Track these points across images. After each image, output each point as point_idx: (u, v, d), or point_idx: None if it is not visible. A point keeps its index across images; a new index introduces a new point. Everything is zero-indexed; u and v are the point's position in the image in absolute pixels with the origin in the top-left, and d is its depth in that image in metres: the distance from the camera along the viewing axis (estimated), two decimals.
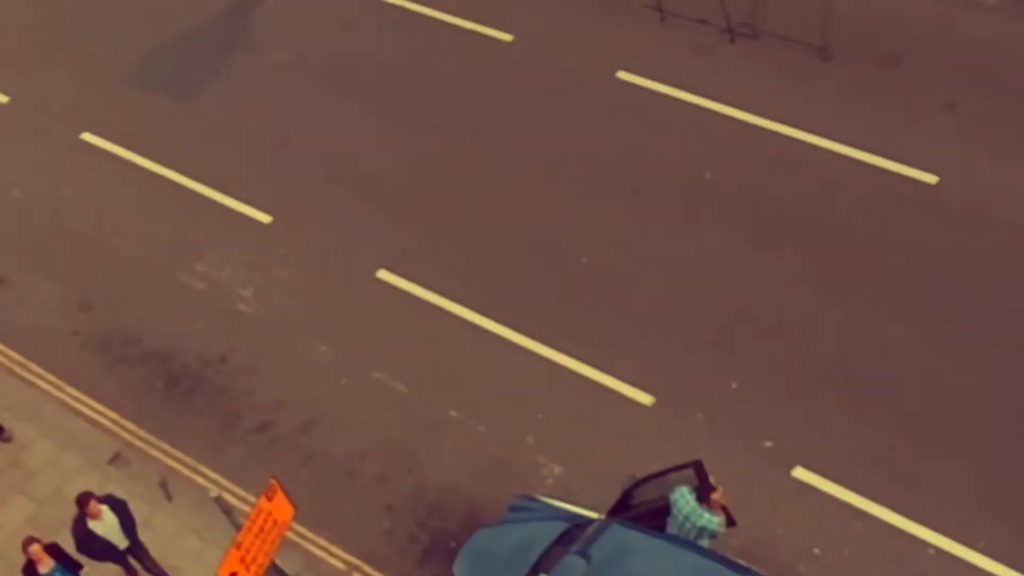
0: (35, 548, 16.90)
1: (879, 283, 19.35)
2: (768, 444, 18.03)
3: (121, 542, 17.58)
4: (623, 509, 16.54)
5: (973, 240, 19.48)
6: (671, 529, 16.03)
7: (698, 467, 16.29)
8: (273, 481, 14.54)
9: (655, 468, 16.82)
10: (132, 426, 20.11)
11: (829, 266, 19.73)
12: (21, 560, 17.01)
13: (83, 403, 20.53)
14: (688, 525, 15.86)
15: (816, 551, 16.98)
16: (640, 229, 20.90)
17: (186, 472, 19.49)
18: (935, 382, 18.13)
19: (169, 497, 18.88)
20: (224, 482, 19.15)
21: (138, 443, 19.92)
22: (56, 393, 20.72)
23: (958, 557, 16.52)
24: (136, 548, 17.85)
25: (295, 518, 14.46)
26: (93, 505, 17.19)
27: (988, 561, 16.44)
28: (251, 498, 18.47)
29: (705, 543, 15.93)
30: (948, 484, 17.14)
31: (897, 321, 18.87)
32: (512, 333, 19.97)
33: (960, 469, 17.23)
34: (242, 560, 14.20)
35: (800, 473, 17.65)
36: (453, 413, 19.36)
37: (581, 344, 19.60)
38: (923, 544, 16.67)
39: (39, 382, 20.93)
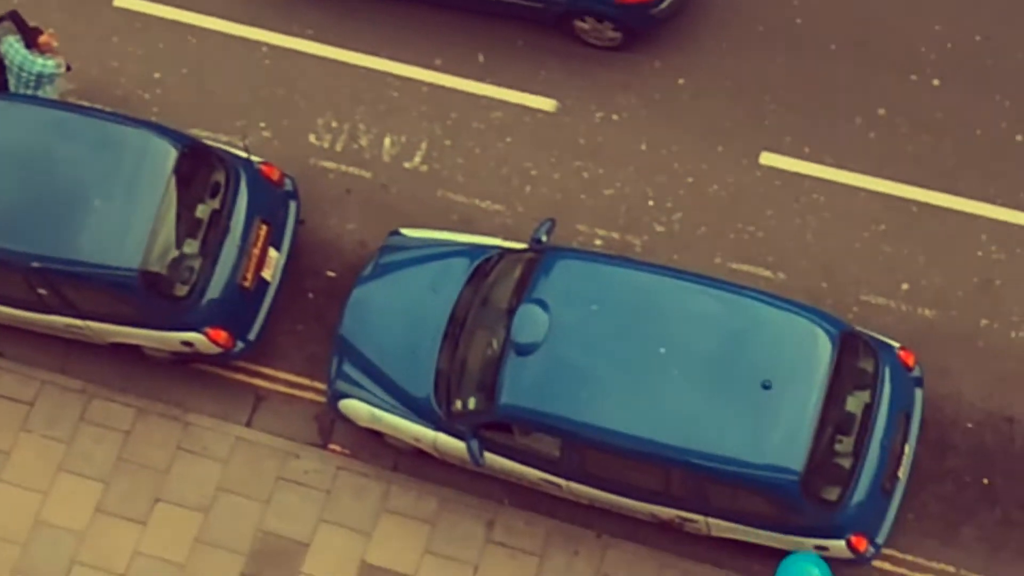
0: None
1: None
2: None
3: None
4: None
5: None
6: (12, 86, 15.53)
7: (14, 16, 15.66)
8: None
9: None
10: None
11: None
12: None
13: None
14: (25, 75, 15.38)
15: (156, 75, 17.04)
16: None
17: None
18: None
19: None
20: None
21: None
22: None
23: (289, 47, 17.06)
24: None
25: None
26: None
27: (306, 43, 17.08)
28: None
29: (49, 92, 15.56)
30: None
31: None
32: None
33: None
34: None
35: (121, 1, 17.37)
36: None
37: None
38: (256, 45, 17.09)
39: None
